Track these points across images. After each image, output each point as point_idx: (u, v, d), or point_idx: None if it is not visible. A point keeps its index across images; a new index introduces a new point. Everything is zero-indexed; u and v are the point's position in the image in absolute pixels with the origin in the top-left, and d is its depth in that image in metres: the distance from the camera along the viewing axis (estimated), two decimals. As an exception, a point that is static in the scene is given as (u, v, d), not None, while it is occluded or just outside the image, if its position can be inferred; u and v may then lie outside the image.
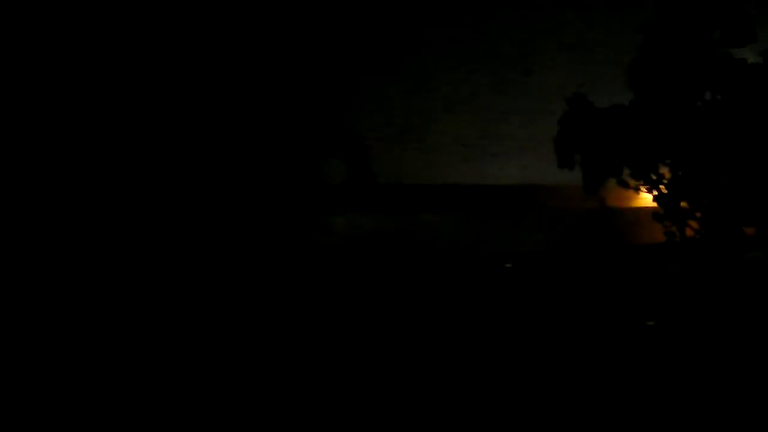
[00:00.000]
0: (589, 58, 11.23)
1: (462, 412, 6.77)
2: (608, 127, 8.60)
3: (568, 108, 8.82)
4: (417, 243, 10.56)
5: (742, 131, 8.63)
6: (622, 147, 8.61)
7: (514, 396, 7.10)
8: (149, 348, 7.75)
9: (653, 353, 8.01)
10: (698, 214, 8.79)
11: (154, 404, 6.73)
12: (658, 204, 8.95)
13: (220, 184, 9.77)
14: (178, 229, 9.31)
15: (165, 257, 9.09)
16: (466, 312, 9.06)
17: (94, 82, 9.38)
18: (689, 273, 8.97)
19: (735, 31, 8.40)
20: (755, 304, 8.45)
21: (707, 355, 7.82)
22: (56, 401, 6.57)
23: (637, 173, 8.79)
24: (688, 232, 8.86)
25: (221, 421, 6.49)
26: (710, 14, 8.59)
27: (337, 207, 10.17)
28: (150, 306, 8.46)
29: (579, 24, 11.37)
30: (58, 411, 6.41)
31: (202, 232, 9.40)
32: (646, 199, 9.38)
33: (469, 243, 10.58)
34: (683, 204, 8.89)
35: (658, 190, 8.87)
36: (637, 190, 9.03)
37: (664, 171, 8.98)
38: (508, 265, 10.14)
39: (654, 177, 8.84)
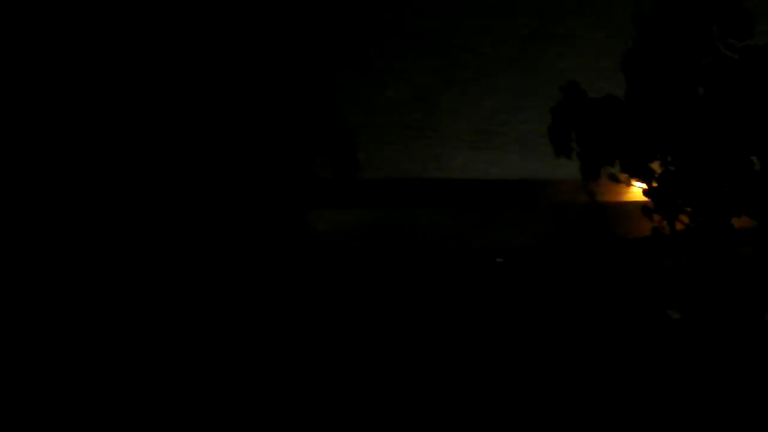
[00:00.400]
0: (582, 51, 11.20)
1: (454, 406, 6.75)
2: (601, 117, 8.57)
3: (561, 98, 8.80)
4: (407, 237, 10.52)
5: (735, 126, 8.63)
6: (614, 139, 8.59)
7: (506, 388, 7.09)
8: (137, 341, 7.69)
9: (647, 346, 8.02)
10: (688, 209, 8.79)
11: (140, 397, 6.68)
12: (648, 198, 8.95)
13: (207, 180, 9.71)
14: (166, 224, 9.25)
15: (153, 251, 9.02)
16: (455, 307, 9.03)
17: (80, 78, 9.33)
18: (680, 267, 8.97)
19: (733, 26, 8.39)
20: (746, 298, 8.47)
21: (700, 348, 7.84)
22: (54, 400, 6.54)
23: (628, 166, 8.77)
24: (678, 227, 8.86)
25: (208, 415, 6.44)
26: (708, 9, 8.58)
27: (327, 202, 10.12)
28: (138, 299, 8.40)
29: (574, 16, 11.34)
30: (56, 410, 6.38)
31: (190, 228, 9.34)
32: (636, 193, 9.37)
33: (459, 238, 10.55)
34: (674, 198, 8.88)
35: (649, 184, 8.86)
36: (628, 183, 9.01)
37: (655, 166, 8.97)
38: (498, 260, 10.12)
39: (645, 171, 8.83)
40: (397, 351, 8.01)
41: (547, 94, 9.33)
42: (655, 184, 8.93)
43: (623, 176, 9.01)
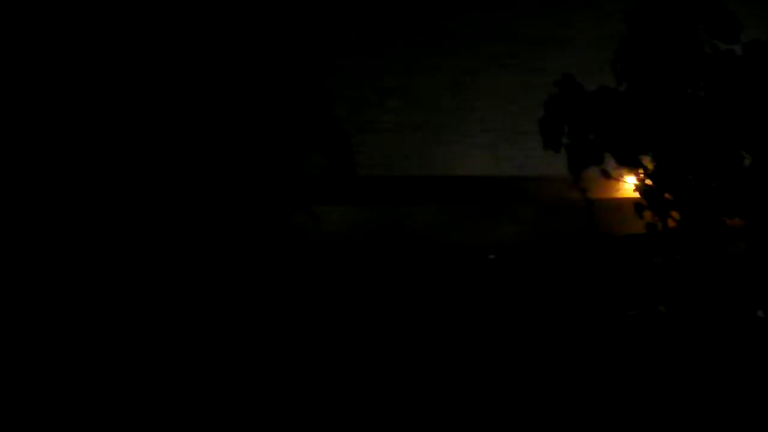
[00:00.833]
0: (573, 47, 11.20)
1: (447, 403, 6.75)
2: (595, 110, 8.54)
3: (556, 90, 8.77)
4: (400, 234, 10.51)
5: (727, 123, 8.62)
6: (607, 132, 8.56)
7: (497, 386, 7.08)
8: (123, 340, 7.67)
9: (636, 344, 8.01)
10: (681, 205, 8.77)
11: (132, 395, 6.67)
12: (640, 194, 8.93)
13: (201, 177, 9.69)
14: (160, 219, 9.23)
15: (146, 246, 9.01)
16: (447, 304, 9.02)
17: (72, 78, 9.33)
18: (672, 264, 8.96)
19: (719, 27, 8.38)
20: (739, 295, 8.46)
21: (692, 344, 7.83)
22: (51, 400, 6.54)
23: (620, 161, 8.75)
24: (671, 223, 8.84)
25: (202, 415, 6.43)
26: (694, 8, 8.57)
27: (318, 198, 10.09)
28: (132, 296, 8.38)
29: (563, 13, 11.34)
30: (54, 410, 6.37)
31: (184, 225, 9.32)
32: (628, 189, 9.36)
33: (451, 234, 10.54)
34: (666, 195, 8.86)
35: (642, 180, 8.85)
36: (620, 179, 9.01)
37: (647, 162, 8.95)
38: (491, 257, 10.10)
39: (638, 167, 8.81)
40: (387, 348, 8.00)
41: (542, 91, 9.31)
42: (647, 181, 8.92)
43: (615, 172, 9.00)
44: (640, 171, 8.86)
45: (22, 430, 6.15)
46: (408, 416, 6.47)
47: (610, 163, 8.91)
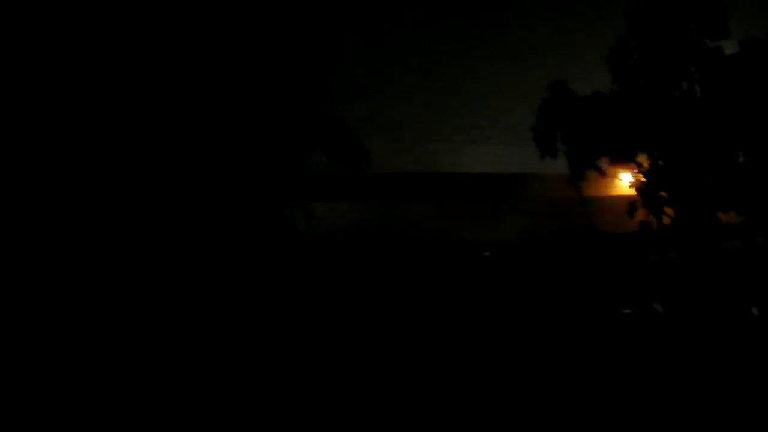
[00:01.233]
0: (570, 46, 11.16)
1: (441, 397, 6.75)
2: (589, 115, 8.57)
3: (549, 95, 8.79)
4: (397, 230, 10.51)
5: (721, 121, 8.63)
6: (602, 134, 8.59)
7: (491, 377, 7.09)
8: (119, 336, 7.69)
9: (630, 341, 8.01)
10: (675, 203, 8.79)
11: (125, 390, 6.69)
12: (635, 192, 8.95)
13: (203, 173, 9.69)
14: (162, 215, 9.24)
15: (148, 239, 9.02)
16: (442, 300, 9.03)
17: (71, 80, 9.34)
18: (666, 261, 8.97)
19: (709, 24, 8.40)
20: (733, 291, 8.46)
21: (684, 344, 7.83)
22: (50, 398, 6.55)
23: (615, 161, 8.77)
24: (665, 221, 8.86)
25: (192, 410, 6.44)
26: (686, 6, 8.59)
27: (317, 194, 10.10)
28: (132, 290, 8.40)
29: (561, 12, 11.31)
30: (52, 409, 6.39)
31: (185, 220, 9.33)
32: (623, 187, 9.37)
33: (447, 231, 10.54)
34: (661, 193, 8.88)
35: (636, 178, 8.87)
36: (615, 177, 9.02)
37: (643, 160, 8.97)
38: (486, 254, 10.11)
39: (633, 165, 8.84)
40: (383, 339, 8.02)
41: (538, 90, 9.33)
42: (642, 179, 8.94)
43: (611, 170, 9.01)
44: (634, 169, 8.90)
45: (22, 430, 6.17)
46: (403, 408, 6.47)
47: (605, 161, 8.95)
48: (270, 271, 9.05)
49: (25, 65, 8.99)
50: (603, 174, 9.03)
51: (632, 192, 9.08)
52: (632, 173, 9.07)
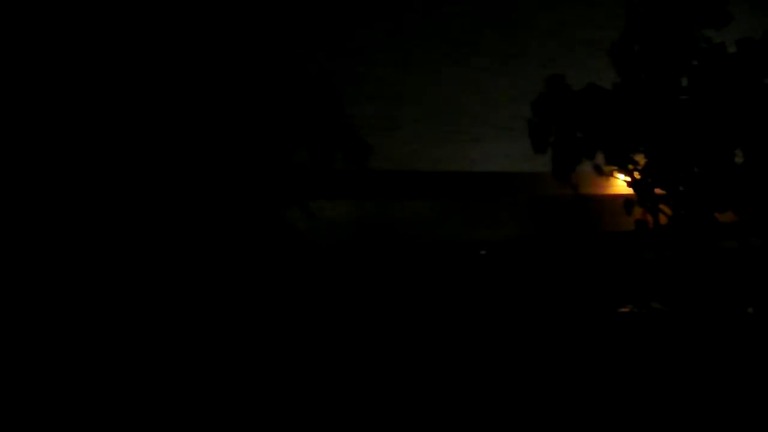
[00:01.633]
0: (570, 42, 11.17)
1: (437, 394, 6.74)
2: (584, 109, 8.54)
3: (545, 90, 8.77)
4: (393, 229, 10.50)
5: (719, 119, 8.62)
6: (597, 130, 8.56)
7: (489, 378, 7.08)
8: (116, 338, 7.66)
9: (627, 339, 8.01)
10: (672, 201, 8.78)
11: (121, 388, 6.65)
12: (632, 190, 8.93)
13: (201, 169, 9.67)
14: (157, 215, 9.20)
15: (144, 239, 8.99)
16: (438, 300, 9.02)
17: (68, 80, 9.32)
18: (663, 260, 8.97)
19: (708, 13, 8.38)
20: (730, 290, 8.47)
21: (682, 343, 7.83)
22: (51, 398, 6.53)
23: (612, 158, 8.74)
24: (662, 219, 8.85)
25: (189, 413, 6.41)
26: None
27: (315, 192, 10.08)
28: (129, 292, 8.36)
29: (558, 8, 11.31)
30: (52, 409, 6.36)
31: (183, 217, 9.30)
32: (620, 186, 9.36)
33: (443, 230, 10.53)
34: (657, 191, 8.87)
35: (633, 176, 8.85)
36: (611, 175, 9.00)
37: (639, 158, 8.95)
38: (482, 252, 10.10)
39: (629, 162, 8.82)
40: (380, 337, 8.00)
41: (534, 88, 9.30)
42: (638, 176, 8.92)
43: (607, 168, 8.99)
44: (631, 167, 8.88)
45: (22, 429, 6.15)
46: (400, 406, 6.46)
47: (601, 159, 8.93)
48: (268, 268, 9.03)
49: (24, 65, 8.97)
50: (600, 172, 9.01)
51: (629, 190, 9.06)
52: (628, 171, 9.04)
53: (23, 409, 6.39)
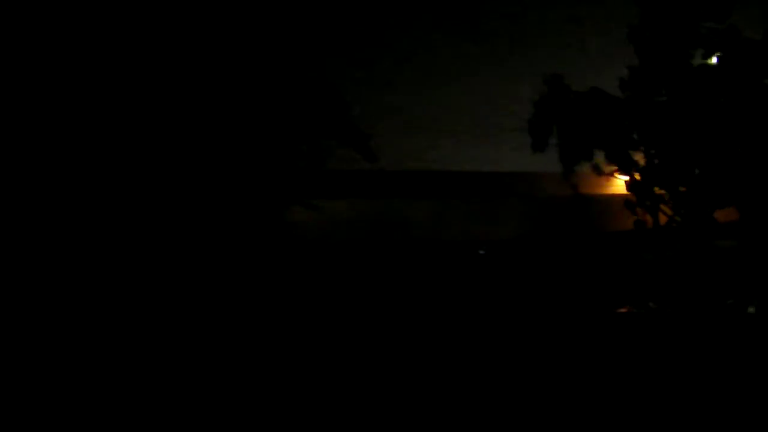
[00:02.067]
0: (572, 40, 11.18)
1: (435, 393, 6.74)
2: (585, 110, 8.56)
3: (546, 89, 8.80)
4: (394, 228, 10.52)
5: (720, 120, 8.64)
6: (598, 131, 8.57)
7: (487, 377, 7.08)
8: (115, 334, 7.67)
9: (626, 339, 8.00)
10: (671, 202, 8.79)
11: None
12: (631, 191, 8.94)
13: (202, 168, 9.69)
14: (160, 209, 9.22)
15: (143, 235, 9.01)
16: (437, 298, 9.02)
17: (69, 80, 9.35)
18: (662, 260, 8.97)
19: (710, 8, 8.39)
20: (729, 290, 8.47)
21: (681, 343, 7.83)
22: (50, 398, 6.53)
23: (612, 157, 8.76)
24: (662, 219, 8.86)
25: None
26: None
27: (315, 191, 10.10)
28: (131, 288, 8.38)
29: (566, 5, 11.34)
30: (52, 409, 6.37)
31: (183, 216, 9.32)
32: (619, 186, 9.36)
33: (441, 229, 10.54)
34: (657, 191, 8.88)
35: (632, 176, 8.86)
36: (611, 175, 9.02)
37: (639, 158, 8.97)
38: (481, 252, 10.11)
39: (629, 163, 8.83)
40: (380, 335, 8.01)
41: (534, 89, 9.32)
42: (638, 177, 8.93)
43: (607, 168, 9.01)
44: (630, 166, 8.90)
45: (22, 429, 6.16)
46: (399, 404, 6.47)
47: (601, 159, 8.95)
48: (269, 267, 9.04)
49: (24, 65, 8.98)
50: (599, 172, 9.02)
51: (628, 191, 9.07)
52: (627, 171, 9.06)
53: (23, 408, 6.40)
